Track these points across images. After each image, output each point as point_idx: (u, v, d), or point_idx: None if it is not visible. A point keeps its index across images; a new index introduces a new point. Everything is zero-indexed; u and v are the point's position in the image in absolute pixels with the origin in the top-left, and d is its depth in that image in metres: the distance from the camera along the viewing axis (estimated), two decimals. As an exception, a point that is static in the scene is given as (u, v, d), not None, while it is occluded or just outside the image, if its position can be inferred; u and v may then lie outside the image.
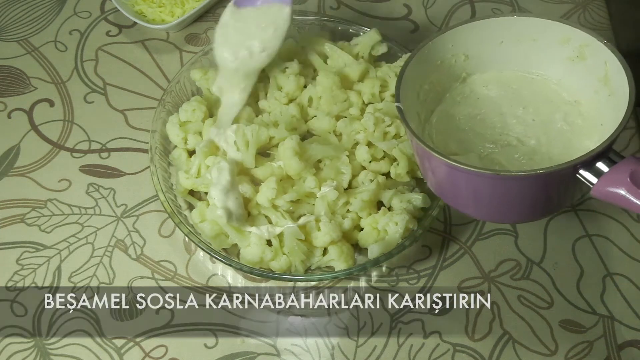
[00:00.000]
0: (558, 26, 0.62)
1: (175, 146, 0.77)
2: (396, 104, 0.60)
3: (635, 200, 0.49)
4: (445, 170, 0.58)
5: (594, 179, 0.51)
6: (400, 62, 0.78)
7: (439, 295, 0.71)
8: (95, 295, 0.71)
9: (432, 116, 0.67)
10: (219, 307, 0.70)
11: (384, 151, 0.73)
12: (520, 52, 0.66)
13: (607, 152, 0.52)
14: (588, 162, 0.51)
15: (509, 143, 0.64)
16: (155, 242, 0.74)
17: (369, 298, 0.71)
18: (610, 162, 0.51)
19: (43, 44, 0.90)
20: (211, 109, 0.79)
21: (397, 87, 0.61)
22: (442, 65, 0.67)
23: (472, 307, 0.70)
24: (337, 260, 0.68)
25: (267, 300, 0.71)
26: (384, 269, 0.72)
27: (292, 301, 0.71)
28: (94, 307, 0.70)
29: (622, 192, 0.50)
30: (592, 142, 0.60)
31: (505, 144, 0.64)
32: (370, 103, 0.76)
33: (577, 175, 0.52)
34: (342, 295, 0.71)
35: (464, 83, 0.69)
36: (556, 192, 0.57)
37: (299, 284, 0.72)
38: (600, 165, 0.51)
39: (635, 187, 0.49)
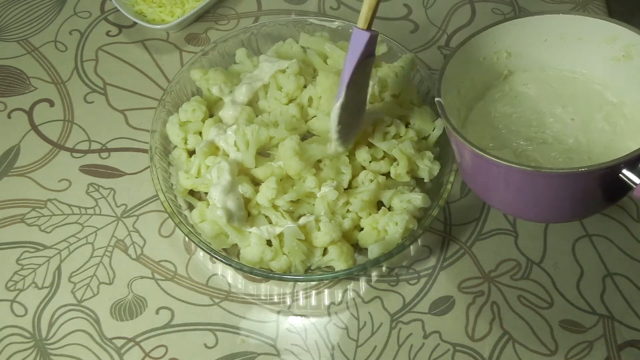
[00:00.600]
0: (605, 25, 0.61)
1: (175, 146, 0.77)
2: (437, 99, 0.59)
3: None
4: (483, 165, 0.57)
5: (637, 180, 0.50)
6: (400, 62, 0.78)
7: (439, 295, 0.71)
8: (95, 295, 0.71)
9: (471, 113, 0.67)
10: (219, 307, 0.70)
11: (384, 151, 0.73)
12: (564, 51, 0.65)
13: None
14: (632, 162, 0.50)
15: (545, 141, 0.63)
16: (155, 242, 0.74)
17: (369, 298, 0.71)
18: None
19: (43, 44, 0.90)
20: (211, 109, 0.79)
21: (439, 82, 0.60)
22: (484, 62, 0.66)
23: (472, 307, 0.70)
24: (337, 260, 0.68)
25: (267, 300, 0.71)
26: (384, 269, 0.72)
27: (292, 301, 0.71)
28: (94, 307, 0.70)
29: None
30: (636, 143, 0.59)
31: (541, 141, 0.63)
32: (370, 103, 0.76)
33: (620, 175, 0.51)
34: (342, 295, 0.71)
35: (505, 80, 0.68)
36: (597, 192, 0.56)
37: (299, 284, 0.72)
38: None
39: None
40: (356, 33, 0.59)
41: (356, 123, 0.70)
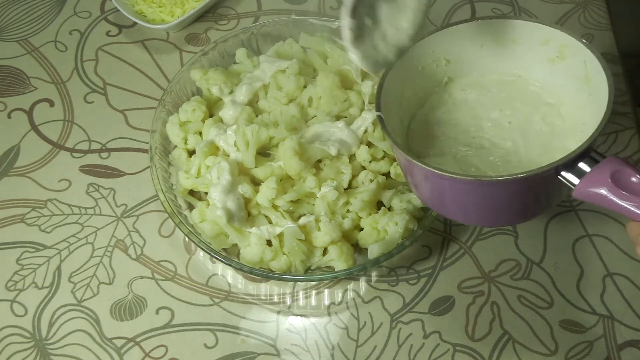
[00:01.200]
0: (537, 27, 0.62)
1: (175, 146, 0.77)
2: (377, 113, 0.59)
3: (616, 201, 0.48)
4: (426, 177, 0.58)
5: (575, 180, 0.51)
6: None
7: (439, 295, 0.71)
8: (95, 295, 0.71)
9: (413, 122, 0.67)
10: (219, 307, 0.70)
11: (384, 151, 0.73)
12: (501, 55, 0.65)
13: (588, 153, 0.51)
14: (569, 164, 0.51)
15: (483, 146, 0.63)
16: (155, 242, 0.74)
17: (369, 298, 0.71)
18: (592, 162, 0.50)
19: (43, 44, 0.90)
20: (211, 109, 0.79)
21: (378, 95, 0.60)
22: (423, 71, 0.66)
23: (472, 307, 0.70)
24: (337, 260, 0.68)
25: (267, 300, 0.71)
26: (384, 269, 0.72)
27: (292, 301, 0.71)
28: (94, 307, 0.70)
29: (604, 192, 0.49)
30: (575, 142, 0.59)
31: (480, 146, 0.63)
32: (370, 103, 0.76)
33: (559, 177, 0.51)
34: (342, 295, 0.71)
35: (445, 88, 0.69)
36: (538, 195, 0.56)
37: (299, 284, 0.72)
38: (582, 165, 0.50)
39: (616, 187, 0.48)
40: None
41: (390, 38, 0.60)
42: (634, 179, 0.48)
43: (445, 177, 0.54)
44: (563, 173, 0.51)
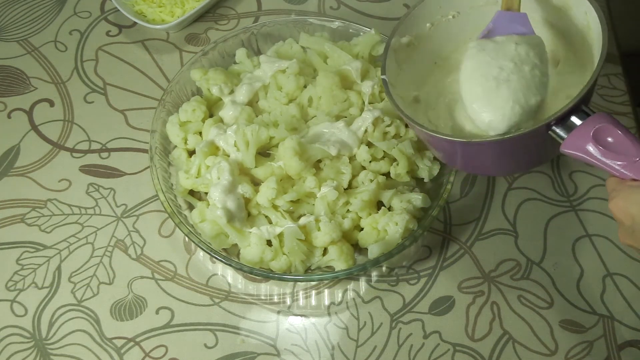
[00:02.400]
0: None
1: (175, 146, 0.77)
2: (382, 77, 0.60)
3: (597, 157, 0.51)
4: (427, 137, 0.62)
5: (564, 134, 0.53)
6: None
7: (439, 295, 0.71)
8: (95, 295, 0.71)
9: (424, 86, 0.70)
10: (219, 307, 0.70)
11: (384, 151, 0.73)
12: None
13: (576, 109, 0.52)
14: (559, 120, 0.53)
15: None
16: (155, 242, 0.74)
17: (369, 298, 0.71)
18: (584, 116, 0.52)
19: (43, 44, 0.90)
20: (211, 109, 0.79)
21: (384, 58, 0.61)
22: (432, 29, 0.68)
23: (472, 307, 0.70)
24: (337, 260, 0.68)
25: (267, 300, 0.71)
26: (384, 269, 0.72)
27: (292, 301, 0.71)
28: (94, 307, 0.70)
29: (588, 148, 0.51)
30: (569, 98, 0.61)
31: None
32: (370, 103, 0.76)
33: (550, 132, 0.54)
34: (342, 295, 0.71)
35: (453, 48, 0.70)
36: (531, 150, 0.59)
37: (299, 284, 0.72)
38: (573, 120, 0.53)
39: (596, 144, 0.50)
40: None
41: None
42: (609, 139, 0.50)
43: (450, 140, 0.59)
44: (554, 128, 0.53)
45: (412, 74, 0.69)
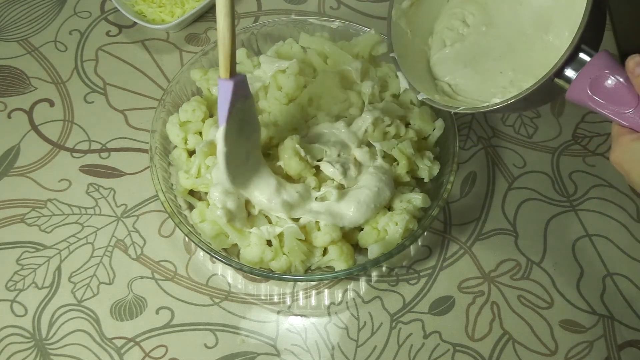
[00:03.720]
0: None
1: (175, 146, 0.77)
2: (391, 54, 0.61)
3: (595, 108, 0.51)
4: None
5: (566, 85, 0.53)
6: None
7: (439, 295, 0.71)
8: (95, 295, 0.71)
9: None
10: (219, 307, 0.70)
11: (384, 151, 0.73)
12: None
13: (574, 56, 0.52)
14: (559, 71, 0.52)
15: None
16: (155, 242, 0.74)
17: (369, 298, 0.71)
18: (585, 60, 0.52)
19: (43, 44, 0.90)
20: (211, 109, 0.79)
21: (388, 36, 0.63)
22: None
23: (472, 307, 0.70)
24: (337, 260, 0.68)
25: (267, 300, 0.71)
26: (384, 269, 0.72)
27: (292, 301, 0.71)
28: (94, 307, 0.70)
29: (585, 99, 0.52)
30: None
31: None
32: (370, 102, 0.76)
33: (555, 81, 0.54)
34: (342, 295, 0.71)
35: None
36: (542, 96, 0.59)
37: (299, 284, 0.72)
38: (573, 67, 0.52)
39: (591, 95, 0.51)
40: (221, 84, 0.59)
41: (249, 169, 0.67)
42: (608, 86, 0.50)
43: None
44: (556, 80, 0.53)
45: (426, 25, 0.69)
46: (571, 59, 0.52)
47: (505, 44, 0.66)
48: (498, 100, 0.58)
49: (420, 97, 0.64)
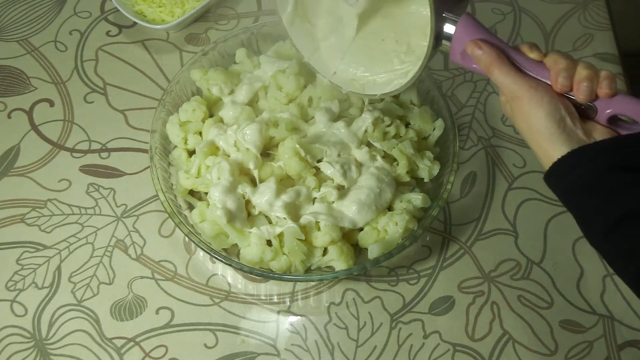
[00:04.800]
0: None
1: (175, 146, 0.77)
2: (304, 61, 0.69)
3: (476, 69, 0.56)
4: None
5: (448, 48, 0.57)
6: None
7: (439, 295, 0.71)
8: (95, 295, 0.71)
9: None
10: (219, 307, 0.70)
11: (384, 151, 0.73)
12: None
13: (440, 30, 0.55)
14: (436, 42, 0.56)
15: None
16: (155, 242, 0.74)
17: (369, 298, 0.71)
18: (452, 26, 0.55)
19: (43, 44, 0.90)
20: (211, 109, 0.79)
21: (292, 43, 0.70)
22: None
23: (472, 307, 0.70)
24: (337, 260, 0.68)
25: (267, 300, 0.71)
26: (384, 269, 0.72)
27: (292, 301, 0.71)
28: (94, 307, 0.70)
29: (465, 65, 0.57)
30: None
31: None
32: (370, 103, 0.76)
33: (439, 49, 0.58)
34: (342, 295, 0.71)
35: None
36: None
37: (299, 284, 0.72)
38: (446, 33, 0.56)
39: (467, 64, 0.56)
40: None
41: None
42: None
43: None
44: (439, 49, 0.57)
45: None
46: (438, 35, 0.56)
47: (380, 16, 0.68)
48: (403, 81, 0.62)
49: (343, 91, 0.69)
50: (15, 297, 0.71)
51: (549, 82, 0.53)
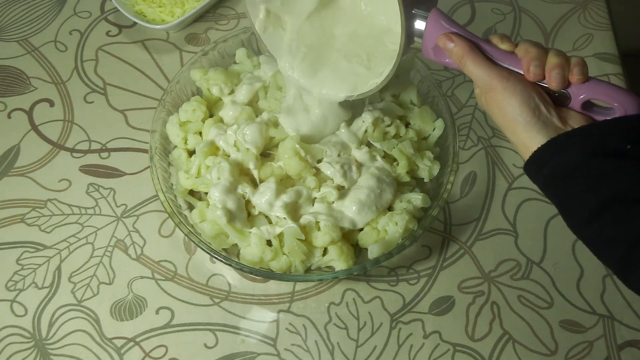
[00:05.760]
0: None
1: (175, 146, 0.77)
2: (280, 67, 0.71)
3: (449, 63, 0.57)
4: None
5: (419, 44, 0.58)
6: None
7: (439, 295, 0.71)
8: (95, 295, 0.71)
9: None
10: (219, 307, 0.70)
11: (384, 151, 0.73)
12: None
13: (411, 27, 0.56)
14: (407, 39, 0.57)
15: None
16: (155, 242, 0.74)
17: (369, 298, 0.71)
18: (422, 22, 0.56)
19: (43, 44, 0.90)
20: (211, 109, 0.79)
21: (265, 49, 0.71)
22: None
23: (472, 307, 0.70)
24: (337, 260, 0.68)
25: (267, 300, 0.71)
26: (384, 269, 0.72)
27: (292, 301, 0.71)
28: (94, 307, 0.70)
29: (437, 61, 0.57)
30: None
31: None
32: (370, 103, 0.76)
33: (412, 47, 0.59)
34: (342, 295, 0.71)
35: None
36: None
37: (299, 283, 0.72)
38: (417, 28, 0.56)
39: (440, 59, 0.57)
40: None
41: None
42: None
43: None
44: (412, 46, 0.58)
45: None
46: (410, 32, 0.56)
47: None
48: (378, 81, 0.64)
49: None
50: (15, 297, 0.71)
51: (521, 72, 0.53)
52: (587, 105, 0.52)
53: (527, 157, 0.52)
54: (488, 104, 0.54)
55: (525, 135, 0.51)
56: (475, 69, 0.53)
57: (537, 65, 0.52)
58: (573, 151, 0.49)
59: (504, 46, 0.54)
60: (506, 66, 0.54)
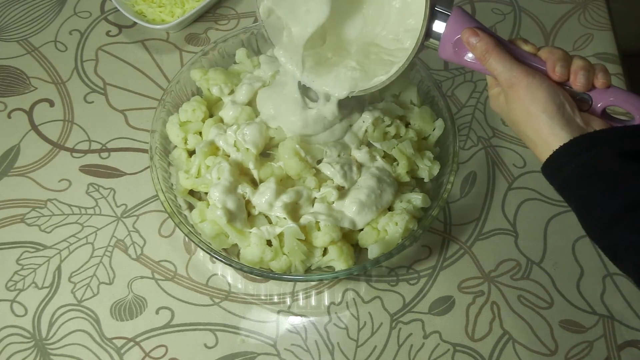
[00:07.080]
0: None
1: (175, 146, 0.77)
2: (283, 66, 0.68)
3: (466, 65, 0.57)
4: None
5: (436, 45, 0.58)
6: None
7: (439, 295, 0.71)
8: (95, 295, 0.71)
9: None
10: (219, 307, 0.70)
11: (384, 151, 0.73)
12: None
13: (431, 24, 0.56)
14: (425, 37, 0.57)
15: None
16: (155, 242, 0.74)
17: (369, 298, 0.71)
18: (443, 20, 0.56)
19: (43, 44, 0.90)
20: (211, 109, 0.79)
21: (268, 39, 0.68)
22: None
23: (472, 307, 0.70)
24: (337, 260, 0.68)
25: (267, 300, 0.71)
26: (384, 269, 0.72)
27: (292, 301, 0.71)
28: (94, 307, 0.70)
29: (454, 60, 0.57)
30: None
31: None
32: (370, 103, 0.76)
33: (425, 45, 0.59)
34: (342, 295, 0.71)
35: None
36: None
37: (299, 284, 0.72)
38: (436, 29, 0.56)
39: (459, 56, 0.57)
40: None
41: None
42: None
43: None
44: (426, 44, 0.58)
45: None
46: (429, 30, 0.57)
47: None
48: (384, 78, 0.63)
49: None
50: (15, 297, 0.71)
51: (545, 71, 0.53)
52: (605, 113, 0.53)
53: (547, 155, 0.51)
54: (509, 101, 0.54)
55: (548, 132, 0.51)
56: (498, 64, 0.53)
57: (563, 66, 0.52)
58: (601, 150, 0.48)
59: (527, 47, 0.55)
60: (530, 63, 0.54)
